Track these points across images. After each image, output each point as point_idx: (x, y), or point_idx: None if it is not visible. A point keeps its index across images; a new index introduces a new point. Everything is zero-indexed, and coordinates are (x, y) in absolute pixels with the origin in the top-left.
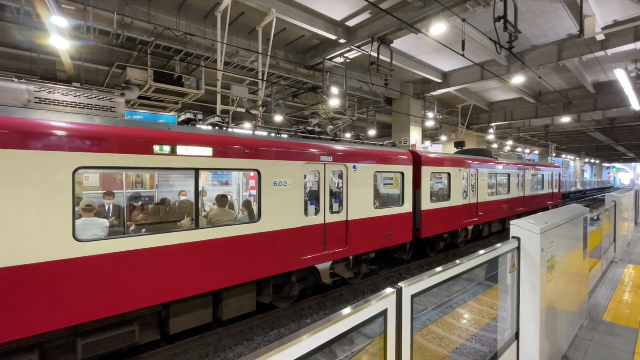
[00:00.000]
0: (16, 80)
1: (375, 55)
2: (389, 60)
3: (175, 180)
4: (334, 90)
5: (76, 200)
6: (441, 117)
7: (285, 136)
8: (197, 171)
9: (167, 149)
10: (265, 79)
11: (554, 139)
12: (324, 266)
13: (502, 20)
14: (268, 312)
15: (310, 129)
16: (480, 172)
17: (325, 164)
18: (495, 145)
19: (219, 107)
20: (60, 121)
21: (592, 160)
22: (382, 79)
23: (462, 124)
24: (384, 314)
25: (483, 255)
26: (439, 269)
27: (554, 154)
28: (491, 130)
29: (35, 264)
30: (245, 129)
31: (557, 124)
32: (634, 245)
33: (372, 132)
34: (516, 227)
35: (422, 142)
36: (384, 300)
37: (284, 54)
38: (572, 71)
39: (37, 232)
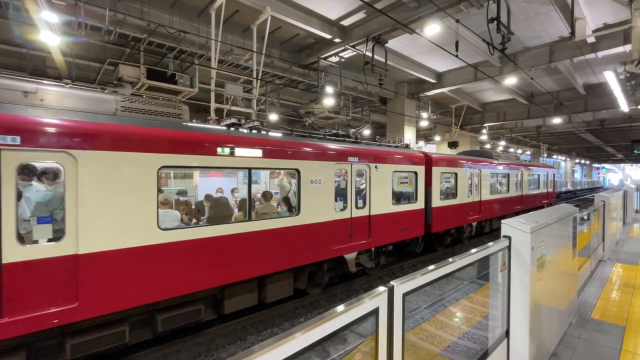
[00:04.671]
0: (106, 91)
1: (370, 54)
2: (383, 59)
3: (210, 179)
4: (329, 89)
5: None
6: (435, 117)
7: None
8: (249, 170)
9: (227, 150)
10: (259, 77)
11: (546, 140)
12: (350, 256)
13: (495, 22)
14: (261, 311)
15: (334, 131)
16: (483, 172)
17: (351, 164)
18: (488, 146)
19: (213, 105)
20: (146, 127)
21: (582, 161)
22: (377, 78)
23: (455, 124)
24: (375, 312)
25: (475, 254)
26: (431, 267)
27: (545, 155)
28: (484, 131)
29: (135, 247)
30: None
31: (548, 125)
32: (622, 244)
33: (366, 132)
34: (507, 226)
35: (416, 142)
36: (376, 299)
37: (279, 53)
38: (563, 73)
39: (134, 221)
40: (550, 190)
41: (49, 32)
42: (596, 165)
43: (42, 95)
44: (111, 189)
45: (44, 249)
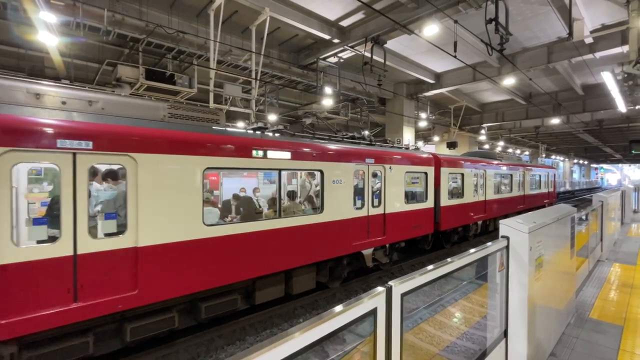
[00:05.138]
0: (154, 99)
1: (369, 55)
2: (382, 60)
3: (232, 180)
4: (328, 89)
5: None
6: (434, 117)
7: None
8: (279, 171)
9: (260, 153)
10: (258, 77)
11: (544, 140)
12: (367, 251)
13: (494, 23)
14: (260, 311)
15: (350, 134)
16: (487, 172)
17: (368, 165)
18: (487, 146)
19: (212, 105)
20: (193, 132)
21: (581, 161)
22: (376, 79)
23: (454, 124)
24: (373, 312)
25: (473, 254)
26: (430, 267)
27: (544, 155)
28: (483, 131)
29: (185, 241)
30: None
31: (546, 125)
32: (620, 244)
33: (365, 132)
34: (505, 226)
35: (415, 142)
36: (374, 299)
37: (278, 53)
38: (561, 73)
39: (184, 217)
40: (551, 190)
41: (47, 33)
42: (594, 165)
43: (103, 104)
44: (164, 188)
45: (109, 242)
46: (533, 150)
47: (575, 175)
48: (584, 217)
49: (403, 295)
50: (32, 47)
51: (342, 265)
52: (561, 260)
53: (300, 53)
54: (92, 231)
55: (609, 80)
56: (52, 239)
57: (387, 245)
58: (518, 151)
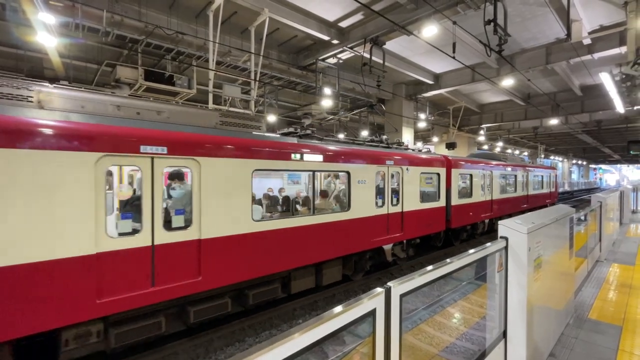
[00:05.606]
0: (206, 107)
1: (368, 56)
2: (381, 61)
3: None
4: (327, 90)
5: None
6: (433, 118)
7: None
8: (313, 172)
9: (298, 156)
10: (257, 78)
11: (543, 141)
12: (387, 247)
13: (492, 24)
14: (259, 312)
15: (370, 138)
16: (494, 173)
17: (388, 167)
18: (486, 147)
19: (211, 106)
20: (243, 138)
21: (580, 162)
22: (375, 79)
23: (453, 125)
24: (372, 313)
25: (472, 255)
26: (429, 267)
27: (543, 155)
28: (482, 132)
29: (237, 234)
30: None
31: (545, 126)
32: (619, 244)
33: (364, 133)
34: (504, 226)
35: (414, 143)
36: (373, 300)
37: (277, 54)
38: (559, 74)
39: (236, 213)
40: (553, 190)
41: (46, 34)
42: (593, 166)
43: (168, 113)
44: (221, 187)
45: (179, 235)
46: (532, 150)
47: (574, 176)
48: (582, 218)
49: (402, 296)
50: (30, 48)
51: (365, 259)
52: (560, 260)
53: (299, 54)
54: (166, 225)
55: (607, 81)
56: (135, 232)
57: (405, 241)
58: (517, 152)
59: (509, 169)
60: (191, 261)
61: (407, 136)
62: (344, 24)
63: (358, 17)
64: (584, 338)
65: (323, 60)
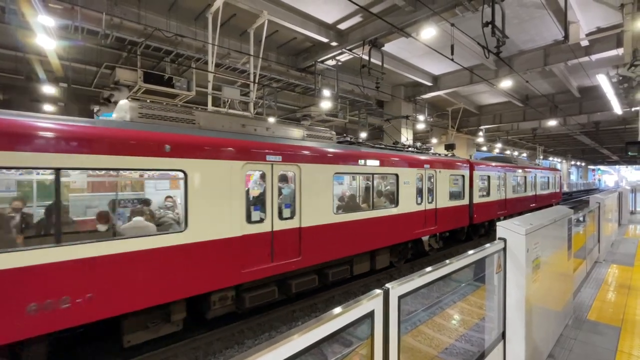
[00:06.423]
0: (297, 124)
1: (367, 58)
2: (380, 63)
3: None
4: (326, 92)
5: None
6: (431, 119)
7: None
8: (372, 175)
9: (362, 161)
10: (256, 80)
11: (541, 142)
12: (425, 238)
13: (490, 26)
14: (259, 315)
15: (410, 143)
16: (507, 175)
17: (425, 169)
18: (484, 148)
19: (210, 108)
20: (326, 148)
21: (578, 163)
22: (374, 81)
23: (452, 126)
24: (370, 315)
25: (470, 256)
26: (428, 268)
27: (541, 157)
28: (480, 133)
29: (324, 224)
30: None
31: (544, 127)
32: (617, 245)
33: (363, 134)
34: (502, 228)
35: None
36: (372, 301)
37: (276, 56)
38: (557, 76)
39: (323, 206)
40: (557, 190)
41: (45, 36)
42: (592, 167)
43: (273, 128)
44: (314, 186)
45: (287, 223)
46: (530, 152)
47: (573, 177)
48: (581, 219)
49: (400, 297)
50: (29, 51)
51: (407, 248)
52: (558, 261)
53: (298, 56)
54: (279, 215)
55: (604, 82)
56: (262, 220)
57: (438, 234)
58: (516, 153)
59: (520, 171)
60: (294, 244)
61: (404, 138)
62: (342, 26)
63: (357, 19)
64: (583, 339)
65: (322, 62)
